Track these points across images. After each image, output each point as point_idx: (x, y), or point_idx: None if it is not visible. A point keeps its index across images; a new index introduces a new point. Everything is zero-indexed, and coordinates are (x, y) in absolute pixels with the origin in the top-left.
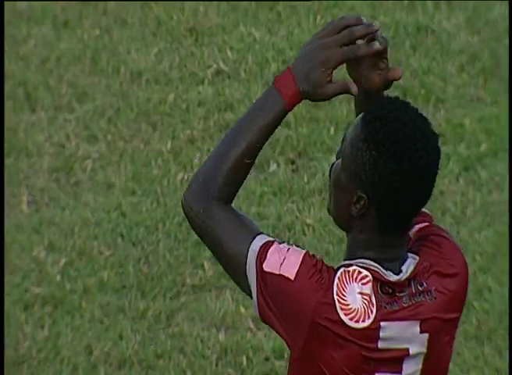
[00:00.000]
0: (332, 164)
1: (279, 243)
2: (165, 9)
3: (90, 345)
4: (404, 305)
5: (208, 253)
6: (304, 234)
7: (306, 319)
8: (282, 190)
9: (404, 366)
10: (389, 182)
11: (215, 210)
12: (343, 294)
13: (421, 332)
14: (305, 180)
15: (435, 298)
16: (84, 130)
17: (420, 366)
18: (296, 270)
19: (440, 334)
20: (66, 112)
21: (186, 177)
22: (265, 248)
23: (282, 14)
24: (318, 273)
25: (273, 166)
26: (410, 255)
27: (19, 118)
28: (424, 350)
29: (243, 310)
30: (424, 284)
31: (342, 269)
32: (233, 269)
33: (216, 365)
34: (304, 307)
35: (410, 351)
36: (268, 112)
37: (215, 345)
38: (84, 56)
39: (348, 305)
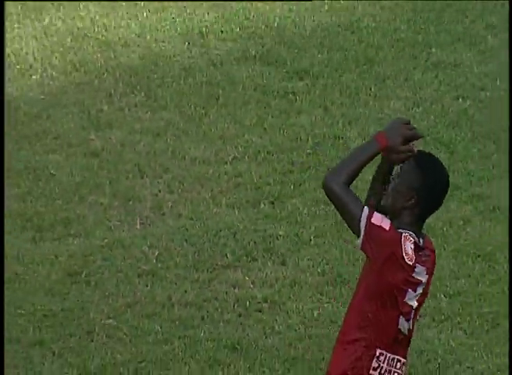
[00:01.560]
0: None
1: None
2: None
3: None
4: (423, 259)
5: None
6: None
7: (388, 250)
8: None
9: (418, 288)
10: (430, 190)
11: (344, 188)
12: (405, 245)
13: (426, 273)
14: None
15: (429, 256)
16: None
17: (421, 290)
18: (388, 226)
19: (431, 275)
20: None
21: None
22: (371, 212)
23: None
24: (396, 231)
25: None
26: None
27: None
28: (425, 282)
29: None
30: (427, 250)
31: (403, 232)
32: (352, 219)
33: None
34: (390, 244)
35: (422, 281)
36: (371, 150)
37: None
38: None
39: (407, 251)
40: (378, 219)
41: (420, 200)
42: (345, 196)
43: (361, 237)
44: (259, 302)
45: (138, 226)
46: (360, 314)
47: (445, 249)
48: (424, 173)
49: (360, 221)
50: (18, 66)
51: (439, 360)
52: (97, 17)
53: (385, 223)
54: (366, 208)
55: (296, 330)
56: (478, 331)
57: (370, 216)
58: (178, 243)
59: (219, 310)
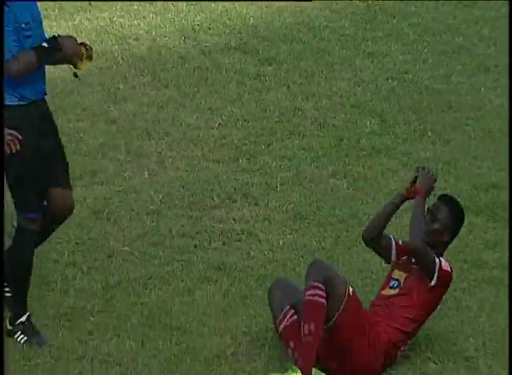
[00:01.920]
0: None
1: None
2: None
3: None
4: None
5: None
6: None
7: (446, 280)
8: None
9: None
10: (458, 227)
11: (425, 245)
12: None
13: None
14: None
15: None
16: None
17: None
18: (449, 269)
19: None
20: None
21: None
22: (440, 261)
23: None
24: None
25: None
26: None
27: None
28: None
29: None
30: None
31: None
32: (429, 266)
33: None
34: (449, 277)
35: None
36: (421, 205)
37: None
38: None
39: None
40: (445, 265)
41: (452, 235)
42: (427, 251)
43: (435, 274)
44: (238, 234)
45: (146, 176)
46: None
47: (378, 193)
48: (456, 216)
49: (434, 268)
50: None
51: None
52: (115, 17)
53: (447, 266)
54: (437, 259)
55: (266, 255)
56: None
57: (440, 263)
58: (176, 189)
59: (208, 240)
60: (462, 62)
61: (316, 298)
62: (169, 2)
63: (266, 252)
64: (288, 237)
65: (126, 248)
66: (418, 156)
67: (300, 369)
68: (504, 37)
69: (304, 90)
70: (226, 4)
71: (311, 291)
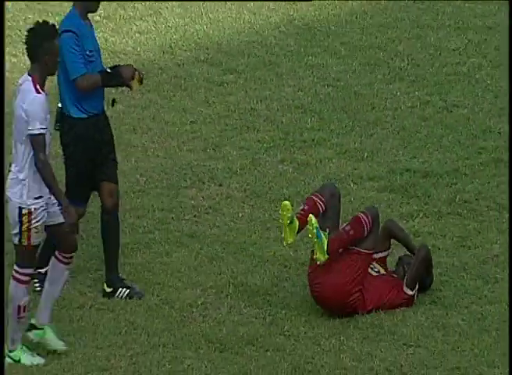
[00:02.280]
0: None
1: None
2: None
3: None
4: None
5: None
6: None
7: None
8: None
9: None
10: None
11: None
12: None
13: None
14: None
15: None
16: None
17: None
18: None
19: None
20: None
21: None
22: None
23: None
24: None
25: None
26: None
27: None
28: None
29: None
30: None
31: None
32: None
33: None
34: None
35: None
36: None
37: None
38: None
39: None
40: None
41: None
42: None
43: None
44: (206, 209)
45: (133, 163)
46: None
47: (317, 176)
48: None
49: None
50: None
51: None
52: (108, 36)
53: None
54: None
55: (228, 225)
56: None
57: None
58: (157, 173)
59: (182, 213)
60: (382, 73)
61: (366, 221)
62: (151, 24)
63: (229, 223)
64: (246, 211)
65: None
66: (348, 147)
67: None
68: (416, 53)
69: (258, 94)
70: (196, 26)
71: (365, 216)
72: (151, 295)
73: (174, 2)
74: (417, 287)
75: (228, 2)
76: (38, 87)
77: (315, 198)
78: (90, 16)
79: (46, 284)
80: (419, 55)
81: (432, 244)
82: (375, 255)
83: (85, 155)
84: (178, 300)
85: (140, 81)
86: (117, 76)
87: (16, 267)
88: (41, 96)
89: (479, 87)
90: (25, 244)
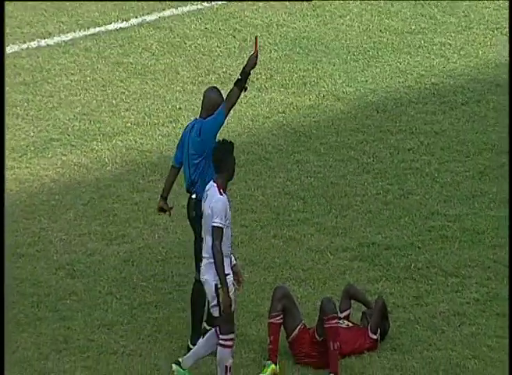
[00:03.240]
0: None
1: None
2: None
3: None
4: None
5: None
6: None
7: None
8: None
9: None
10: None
11: None
12: None
13: None
14: None
15: None
16: None
17: None
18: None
19: None
20: None
21: None
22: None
23: None
24: None
25: None
26: None
27: None
28: None
29: None
30: None
31: None
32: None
33: None
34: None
35: None
36: None
37: None
38: None
39: None
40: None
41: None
42: None
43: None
44: None
45: (156, 237)
46: None
47: (301, 249)
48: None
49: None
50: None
51: None
52: (137, 139)
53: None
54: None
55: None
56: None
57: None
58: (175, 245)
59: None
60: (353, 167)
61: (336, 325)
62: (171, 129)
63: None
64: (245, 275)
65: (143, 283)
66: (327, 225)
67: (335, 372)
68: (379, 151)
69: (255, 183)
70: None
71: (333, 321)
72: (171, 343)
73: (189, 112)
74: (379, 331)
75: (232, 116)
76: (221, 191)
77: (273, 320)
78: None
79: (201, 341)
80: (382, 154)
81: (392, 302)
82: (341, 315)
83: None
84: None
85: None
86: (247, 76)
87: (221, 336)
88: (223, 198)
89: (429, 179)
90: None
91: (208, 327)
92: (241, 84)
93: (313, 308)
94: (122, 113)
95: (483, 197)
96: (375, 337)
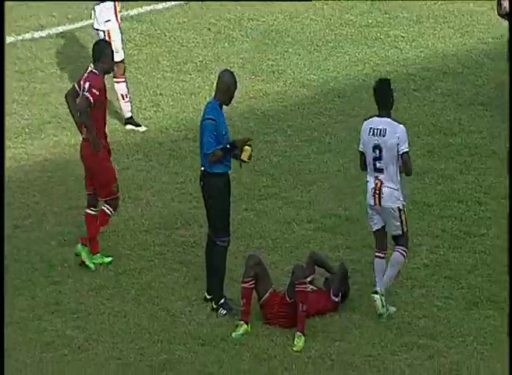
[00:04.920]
0: None
1: None
2: None
3: None
4: None
5: None
6: None
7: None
8: None
9: None
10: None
11: None
12: None
13: None
14: None
15: None
16: None
17: None
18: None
19: None
20: None
21: None
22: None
23: None
24: None
25: None
26: None
27: None
28: None
29: None
30: None
31: None
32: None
33: None
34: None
35: None
36: None
37: None
38: None
39: None
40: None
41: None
42: None
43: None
44: (192, 243)
45: (139, 211)
46: None
47: (270, 221)
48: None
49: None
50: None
51: None
52: (122, 123)
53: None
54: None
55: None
56: None
57: None
58: (157, 218)
59: (175, 247)
60: (316, 147)
61: (306, 289)
62: (152, 113)
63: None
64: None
65: (128, 251)
66: (293, 199)
67: (300, 331)
68: (340, 133)
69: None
70: (185, 114)
71: (303, 285)
72: (153, 305)
73: (169, 97)
74: (340, 294)
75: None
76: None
77: (246, 285)
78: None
79: (390, 264)
80: (342, 135)
81: (352, 268)
82: (306, 280)
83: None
84: (172, 308)
85: (249, 157)
86: (233, 149)
87: (403, 248)
88: (404, 127)
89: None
90: (405, 230)
91: (208, 296)
92: (226, 150)
93: (281, 273)
94: (108, 98)
95: (432, 173)
96: (336, 299)
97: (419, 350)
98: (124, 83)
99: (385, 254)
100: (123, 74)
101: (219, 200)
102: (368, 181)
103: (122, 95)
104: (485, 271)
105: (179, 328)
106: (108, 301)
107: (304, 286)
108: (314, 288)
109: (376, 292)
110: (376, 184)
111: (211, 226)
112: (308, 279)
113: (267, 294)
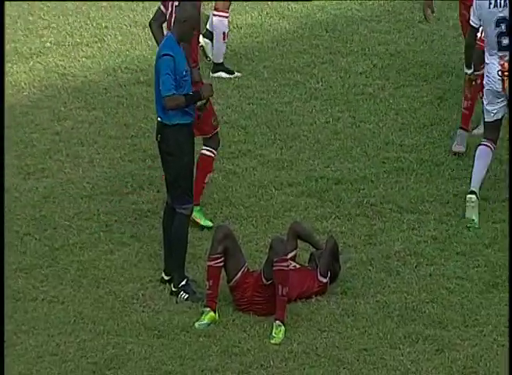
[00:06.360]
0: None
1: None
2: None
3: None
4: None
5: None
6: None
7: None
8: None
9: None
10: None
11: None
12: None
13: None
14: None
15: None
16: None
17: None
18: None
19: None
20: None
21: None
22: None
23: None
24: None
25: None
26: None
27: None
28: None
29: None
30: None
31: None
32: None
33: None
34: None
35: None
36: None
37: None
38: None
39: None
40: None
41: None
42: None
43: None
44: (145, 212)
45: (81, 172)
46: None
47: (242, 184)
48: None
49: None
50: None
51: None
52: (58, 61)
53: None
54: None
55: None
56: None
57: None
58: (102, 181)
59: (124, 216)
60: (300, 93)
61: (287, 268)
62: (96, 50)
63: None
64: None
65: (66, 222)
66: (270, 157)
67: (280, 320)
68: (328, 75)
69: None
70: (137, 52)
71: (284, 263)
72: (97, 288)
73: (116, 31)
74: (329, 275)
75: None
76: None
77: (213, 263)
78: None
79: (477, 162)
80: (331, 78)
81: (343, 241)
82: (287, 256)
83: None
84: (121, 292)
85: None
86: (197, 97)
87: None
88: None
89: (383, 105)
90: None
91: (166, 277)
92: (190, 99)
93: (255, 248)
94: (41, 32)
95: (442, 125)
96: (324, 280)
97: (426, 342)
98: (227, 20)
99: (494, 148)
100: (228, 8)
101: (180, 158)
102: (488, 63)
103: (224, 34)
104: (506, 245)
105: (129, 316)
106: (41, 284)
107: (284, 264)
108: (297, 266)
109: (473, 192)
110: (503, 65)
111: (170, 190)
112: (290, 255)
113: (239, 275)
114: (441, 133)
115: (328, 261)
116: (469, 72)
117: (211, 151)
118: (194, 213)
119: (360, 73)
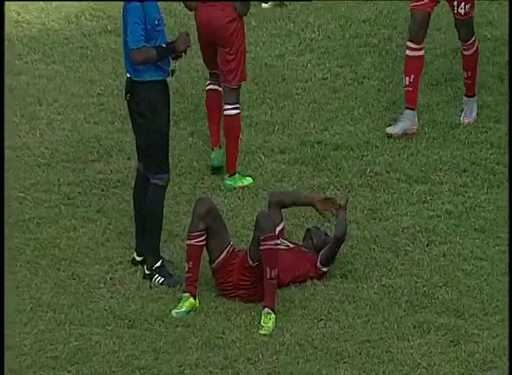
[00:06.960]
0: None
1: None
2: None
3: None
4: None
5: None
6: None
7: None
8: None
9: None
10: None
11: None
12: None
13: None
14: None
15: None
16: None
17: None
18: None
19: None
20: None
21: None
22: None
23: None
24: None
25: None
26: None
27: None
28: None
29: None
30: None
31: None
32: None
33: None
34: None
35: None
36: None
37: None
38: None
39: None
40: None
41: None
42: None
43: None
44: (114, 182)
45: (38, 136)
46: None
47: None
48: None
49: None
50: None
51: None
52: (11, 6)
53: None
54: None
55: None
56: None
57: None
58: (63, 146)
59: (89, 187)
60: (293, 44)
61: (276, 247)
62: None
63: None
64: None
65: (21, 194)
66: (259, 119)
67: (269, 307)
68: (326, 23)
69: None
70: None
71: (272, 242)
72: (58, 271)
73: None
74: (330, 264)
75: None
76: None
77: (193, 242)
78: None
79: None
80: (330, 26)
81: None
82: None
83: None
84: (86, 276)
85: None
86: (171, 50)
87: None
88: None
89: (390, 58)
90: None
91: (138, 258)
92: (163, 52)
93: (242, 224)
94: None
95: (458, 81)
96: (325, 269)
97: (438, 333)
98: None
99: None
100: None
101: (153, 120)
102: None
103: None
104: None
105: (96, 303)
106: None
107: (271, 242)
108: (290, 246)
109: None
110: None
111: (142, 157)
112: (277, 229)
113: (223, 255)
114: (456, 90)
115: (333, 251)
116: None
117: (235, 108)
118: (236, 181)
119: (363, 21)
